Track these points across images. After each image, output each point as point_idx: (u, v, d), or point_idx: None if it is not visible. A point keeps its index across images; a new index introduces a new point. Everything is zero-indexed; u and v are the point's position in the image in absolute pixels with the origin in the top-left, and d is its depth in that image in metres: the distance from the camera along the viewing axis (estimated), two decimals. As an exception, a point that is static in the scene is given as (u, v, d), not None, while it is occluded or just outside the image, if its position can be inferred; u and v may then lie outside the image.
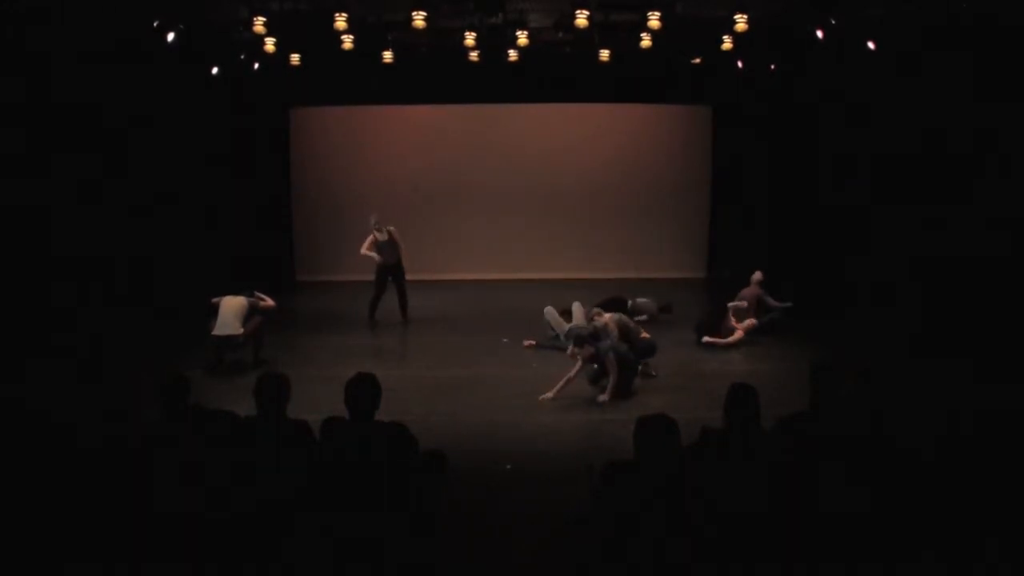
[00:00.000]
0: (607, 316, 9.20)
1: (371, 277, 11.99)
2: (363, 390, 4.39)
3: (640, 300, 11.68)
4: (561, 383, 8.36)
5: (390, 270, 11.90)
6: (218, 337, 9.24)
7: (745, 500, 3.90)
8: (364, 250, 11.79)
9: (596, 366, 8.71)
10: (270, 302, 9.80)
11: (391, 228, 11.87)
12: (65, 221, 9.20)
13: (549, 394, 8.37)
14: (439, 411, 8.03)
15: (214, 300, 9.50)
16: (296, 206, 15.30)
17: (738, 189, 14.68)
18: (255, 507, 4.05)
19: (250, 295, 9.64)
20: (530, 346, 10.38)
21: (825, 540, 3.83)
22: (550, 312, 10.85)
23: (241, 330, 9.30)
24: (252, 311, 9.52)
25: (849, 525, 3.88)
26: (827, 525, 3.88)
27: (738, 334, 10.43)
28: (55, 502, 4.07)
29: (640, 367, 8.92)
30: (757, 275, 10.97)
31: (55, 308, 8.83)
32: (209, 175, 12.98)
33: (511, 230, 15.19)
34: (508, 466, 6.73)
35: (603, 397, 8.32)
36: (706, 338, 10.45)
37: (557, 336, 10.64)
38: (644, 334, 9.56)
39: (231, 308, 9.36)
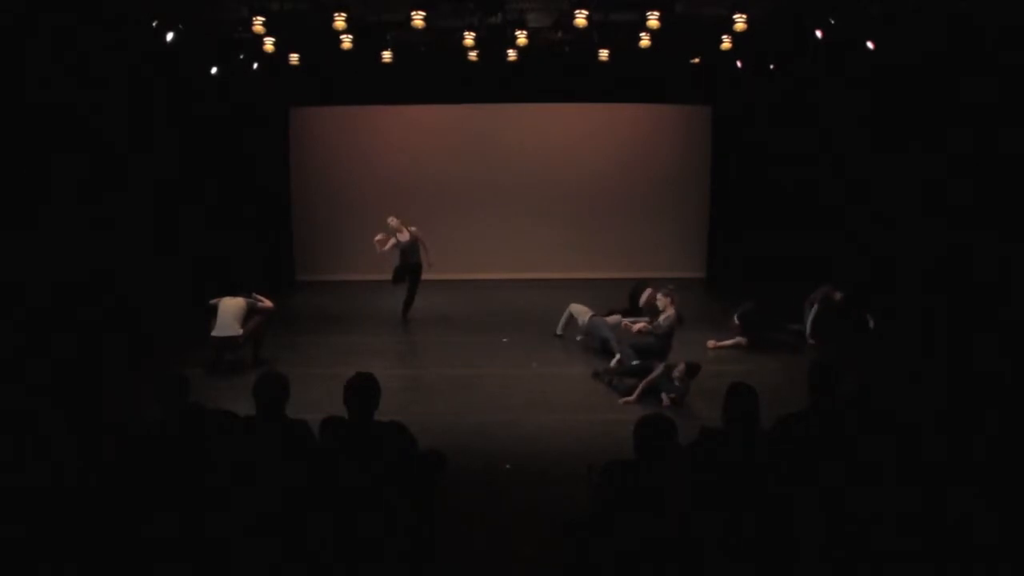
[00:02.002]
0: (673, 310, 9.19)
1: (373, 276, 12.00)
2: (362, 390, 4.39)
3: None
4: (642, 386, 8.33)
5: (408, 270, 11.93)
6: (217, 338, 9.25)
7: (744, 500, 3.90)
8: (385, 248, 11.84)
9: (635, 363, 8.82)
10: (269, 303, 9.80)
11: (413, 228, 11.88)
12: (64, 220, 9.20)
13: (631, 398, 8.34)
14: (439, 410, 8.04)
15: (213, 301, 9.51)
16: (296, 206, 15.28)
17: (738, 189, 14.67)
18: (255, 507, 4.05)
19: (248, 296, 9.65)
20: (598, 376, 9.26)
21: (824, 539, 3.83)
22: (576, 308, 10.77)
23: (240, 331, 9.31)
24: (251, 312, 9.53)
25: (849, 524, 3.88)
26: (826, 524, 3.88)
27: (740, 339, 10.45)
28: (57, 502, 4.07)
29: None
30: (838, 295, 10.53)
31: (53, 309, 8.82)
32: (209, 175, 12.98)
33: (510, 230, 15.18)
34: (508, 466, 6.73)
35: (667, 401, 8.24)
36: (711, 342, 10.45)
37: (561, 336, 10.66)
38: None
39: (230, 309, 9.36)
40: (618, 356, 9.27)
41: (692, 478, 3.99)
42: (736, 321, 10.58)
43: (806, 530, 3.83)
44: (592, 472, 4.21)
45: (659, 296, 9.36)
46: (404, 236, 11.82)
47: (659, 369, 8.38)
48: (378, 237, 11.84)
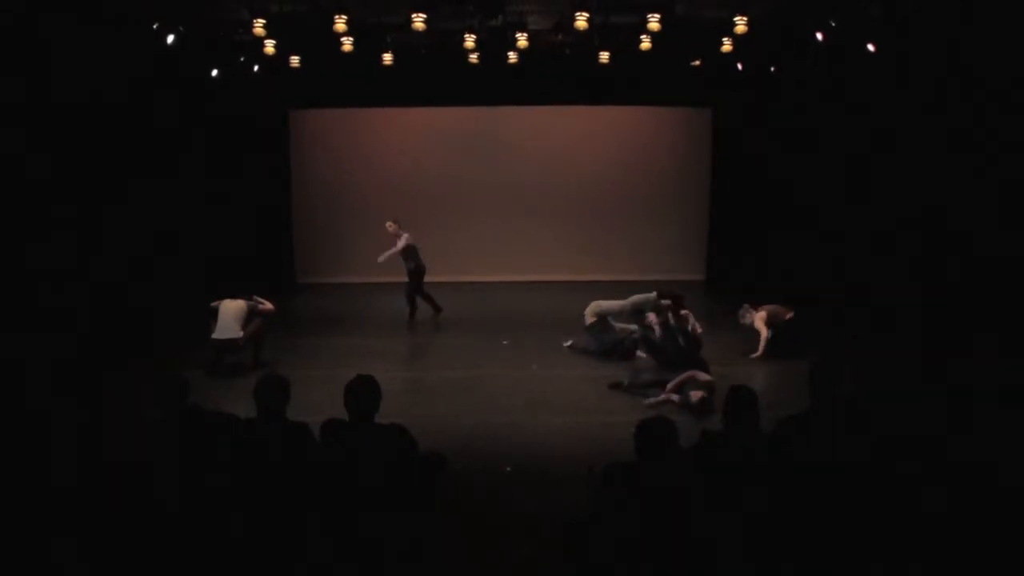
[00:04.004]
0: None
1: (374, 279, 12.03)
2: (363, 392, 4.39)
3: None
4: (679, 378, 8.32)
5: (420, 273, 12.02)
6: (218, 340, 9.26)
7: (744, 502, 3.90)
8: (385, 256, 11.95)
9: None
10: (269, 306, 9.82)
11: (405, 235, 11.89)
12: (65, 220, 9.19)
13: (662, 396, 8.31)
14: (439, 413, 8.04)
15: (213, 303, 9.52)
16: (296, 208, 15.31)
17: (738, 192, 14.68)
18: (255, 509, 4.05)
19: (249, 298, 9.66)
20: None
21: (824, 541, 3.83)
22: (590, 307, 10.66)
23: (241, 333, 9.32)
24: (251, 314, 9.54)
25: (848, 525, 3.88)
26: (826, 526, 3.88)
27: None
28: (57, 501, 4.07)
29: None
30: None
31: (54, 308, 8.82)
32: (209, 177, 12.98)
33: (510, 232, 15.19)
34: (508, 468, 6.73)
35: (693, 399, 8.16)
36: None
37: (593, 329, 10.46)
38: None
39: (231, 311, 9.38)
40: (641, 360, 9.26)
41: (693, 480, 3.99)
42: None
43: (806, 531, 3.83)
44: (592, 474, 4.21)
45: (692, 321, 9.38)
46: (401, 243, 11.83)
47: (685, 376, 8.36)
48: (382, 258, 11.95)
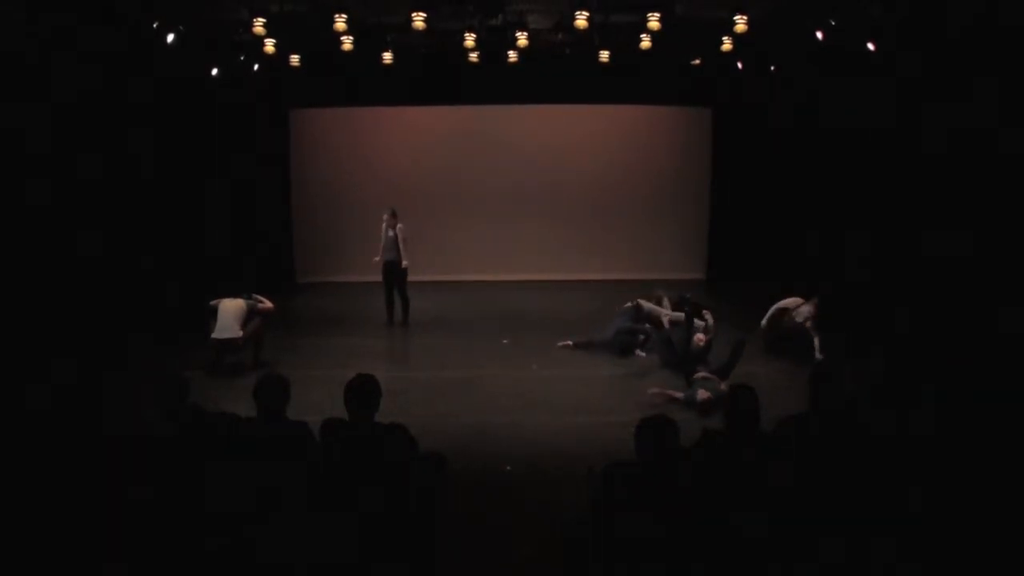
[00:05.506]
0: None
1: (374, 278, 12.03)
2: (363, 391, 4.38)
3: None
4: (701, 374, 8.39)
5: (386, 267, 11.88)
6: (218, 340, 9.24)
7: (745, 501, 3.90)
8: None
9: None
10: (269, 304, 9.80)
11: (400, 226, 11.82)
12: (63, 222, 9.19)
13: (668, 392, 8.32)
14: (439, 412, 8.03)
15: (213, 302, 9.50)
16: (296, 208, 15.31)
17: (738, 190, 14.68)
18: (254, 508, 4.04)
19: (248, 297, 9.65)
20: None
21: (825, 541, 3.82)
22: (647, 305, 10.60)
23: (240, 333, 9.30)
24: (251, 313, 9.53)
25: (848, 524, 3.88)
26: (826, 525, 3.88)
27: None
28: (54, 502, 4.07)
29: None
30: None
31: (57, 308, 8.82)
32: (209, 177, 12.97)
33: (510, 232, 15.20)
34: (508, 467, 6.73)
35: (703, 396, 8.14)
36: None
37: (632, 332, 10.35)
38: None
39: (230, 310, 9.36)
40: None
41: (693, 479, 3.99)
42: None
43: (806, 532, 3.83)
44: (592, 474, 4.21)
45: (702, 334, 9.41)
46: (391, 232, 11.79)
47: (707, 375, 8.37)
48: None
